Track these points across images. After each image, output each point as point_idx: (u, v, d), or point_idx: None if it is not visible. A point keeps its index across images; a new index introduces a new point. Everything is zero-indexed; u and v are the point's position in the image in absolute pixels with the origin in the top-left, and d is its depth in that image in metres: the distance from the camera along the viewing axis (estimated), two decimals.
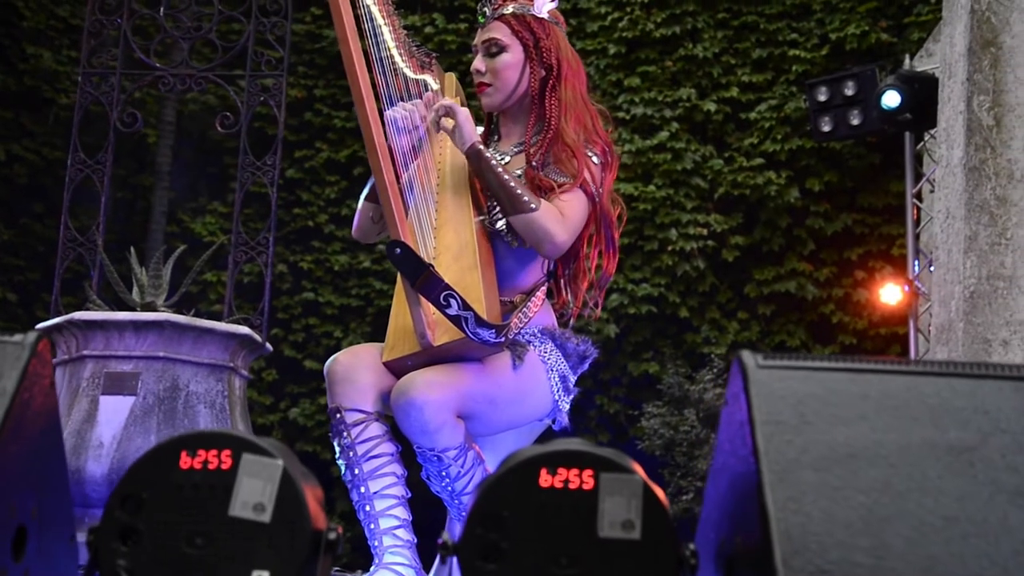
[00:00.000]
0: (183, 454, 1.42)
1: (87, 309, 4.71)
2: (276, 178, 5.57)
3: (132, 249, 4.79)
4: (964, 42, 6.04)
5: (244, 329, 4.67)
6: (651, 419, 7.53)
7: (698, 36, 9.14)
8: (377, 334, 9.10)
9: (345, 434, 2.59)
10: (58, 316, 4.75)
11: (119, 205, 9.59)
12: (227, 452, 1.42)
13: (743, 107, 8.96)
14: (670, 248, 8.63)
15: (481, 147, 2.71)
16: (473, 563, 1.37)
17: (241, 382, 4.75)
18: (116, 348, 4.40)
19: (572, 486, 1.37)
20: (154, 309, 4.64)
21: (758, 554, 1.21)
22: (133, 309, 4.71)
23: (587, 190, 2.75)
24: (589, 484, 1.37)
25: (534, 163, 2.77)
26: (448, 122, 2.78)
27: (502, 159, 2.87)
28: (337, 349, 9.05)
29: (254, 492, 1.40)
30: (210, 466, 1.41)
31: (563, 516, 1.37)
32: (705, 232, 8.63)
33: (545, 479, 1.38)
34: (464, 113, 2.74)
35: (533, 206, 2.66)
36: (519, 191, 2.68)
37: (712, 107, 8.88)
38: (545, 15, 2.90)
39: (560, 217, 2.70)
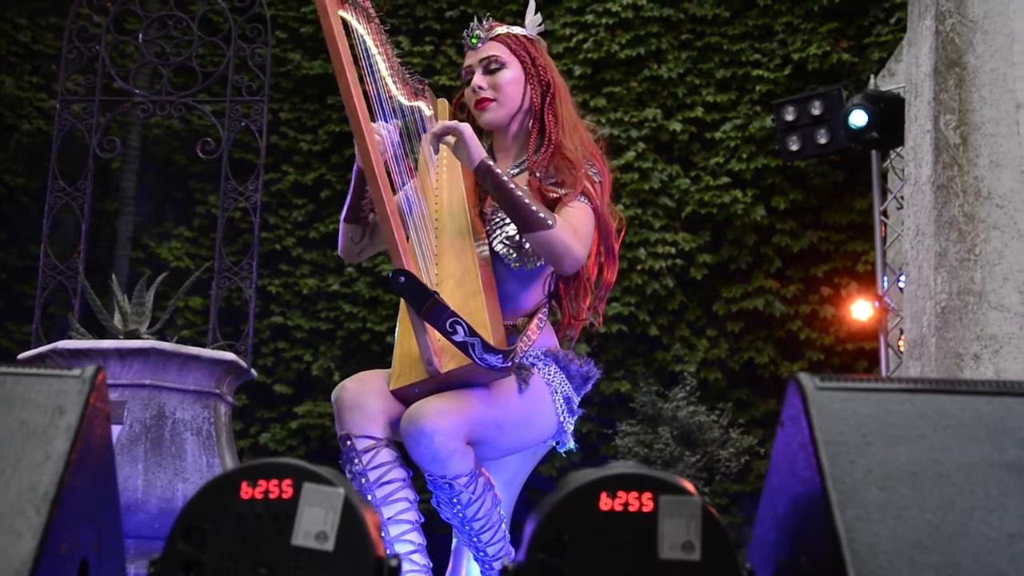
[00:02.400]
0: (243, 484, 1.43)
1: (70, 338, 4.68)
2: (259, 203, 5.57)
3: (113, 276, 4.77)
4: (930, 62, 6.15)
5: (230, 355, 4.66)
6: (625, 437, 7.57)
7: (662, 57, 9.23)
8: (347, 357, 9.08)
9: (356, 461, 2.60)
10: (39, 345, 4.72)
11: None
12: (288, 481, 1.43)
13: (708, 127, 9.05)
14: (639, 267, 8.69)
15: (491, 163, 2.66)
16: None
17: (227, 408, 4.73)
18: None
19: (632, 509, 1.40)
20: (137, 336, 4.61)
21: (827, 573, 1.24)
22: (115, 337, 4.68)
23: (592, 203, 2.79)
24: (649, 507, 1.40)
25: (538, 174, 2.80)
26: (451, 139, 2.71)
27: None
28: (307, 373, 9.00)
29: (316, 521, 1.41)
30: (271, 496, 1.42)
31: (624, 539, 1.39)
32: (673, 251, 8.70)
33: (605, 502, 1.40)
34: (469, 130, 2.68)
35: (550, 223, 2.65)
36: (534, 207, 2.65)
37: (678, 127, 8.97)
38: (535, 36, 2.95)
39: (574, 231, 2.71)
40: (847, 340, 8.46)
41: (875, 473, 1.26)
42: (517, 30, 2.93)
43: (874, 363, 8.26)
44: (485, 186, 2.71)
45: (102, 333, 4.89)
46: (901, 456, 1.28)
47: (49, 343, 4.71)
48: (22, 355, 4.67)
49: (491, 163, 2.67)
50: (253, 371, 5.01)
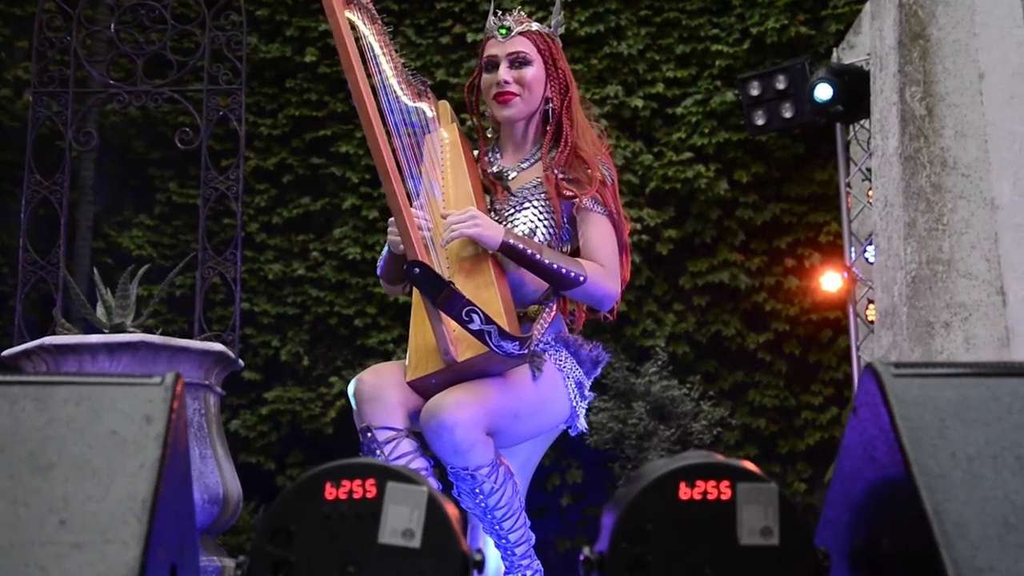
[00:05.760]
0: (327, 485, 1.45)
1: (56, 333, 4.64)
2: (240, 192, 5.55)
3: (95, 269, 4.74)
4: (894, 35, 6.23)
5: (218, 346, 4.65)
6: (599, 413, 7.62)
7: (622, 34, 9.25)
8: (316, 342, 9.06)
9: (378, 452, 2.63)
10: (22, 341, 4.68)
11: (41, 222, 9.41)
12: (371, 481, 1.46)
13: (669, 102, 9.09)
14: None
15: (511, 240, 2.73)
16: None
17: (216, 399, 4.73)
18: (90, 372, 4.34)
19: (711, 497, 1.44)
20: (123, 330, 4.59)
21: (915, 555, 1.28)
22: (99, 331, 4.66)
23: (607, 210, 2.86)
24: (727, 494, 1.44)
25: (556, 171, 2.84)
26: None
27: (510, 175, 2.94)
28: (276, 359, 8.95)
29: (401, 519, 1.44)
30: (355, 495, 1.45)
31: (704, 527, 1.43)
32: (639, 227, 8.75)
33: (684, 492, 1.44)
34: (478, 226, 2.73)
35: (582, 278, 2.77)
36: (564, 270, 2.75)
37: (639, 103, 9.01)
38: (557, 36, 2.99)
39: (604, 270, 2.83)
40: (812, 310, 8.56)
41: (958, 456, 1.30)
42: (544, 28, 2.96)
43: (839, 333, 8.38)
44: (512, 259, 2.77)
45: (88, 328, 4.85)
46: (980, 439, 1.32)
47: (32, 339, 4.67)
48: (6, 352, 4.62)
49: (511, 240, 2.73)
50: (241, 361, 5.00)
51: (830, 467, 5.69)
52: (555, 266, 2.74)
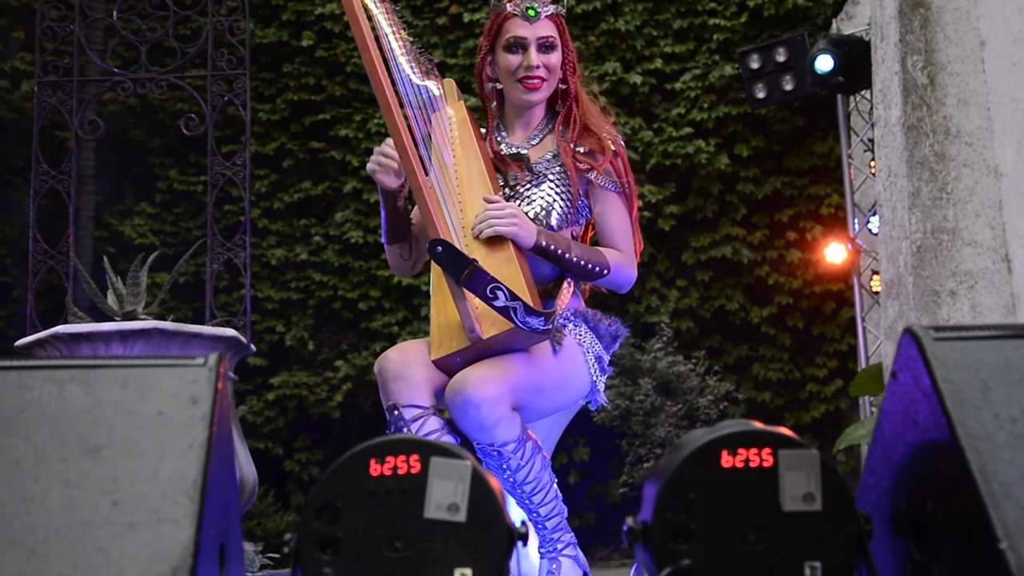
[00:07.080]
0: (372, 462, 1.47)
1: (68, 322, 4.65)
2: (247, 177, 5.55)
3: (105, 258, 4.74)
4: (894, 4, 6.21)
5: (231, 331, 4.65)
6: (605, 390, 7.63)
7: (619, 10, 9.23)
8: (320, 326, 9.06)
9: (405, 430, 2.64)
10: (34, 331, 4.68)
11: (43, 211, 9.39)
12: (415, 456, 1.47)
13: (668, 78, 9.08)
14: None
15: (543, 240, 2.78)
16: (665, 545, 1.44)
17: (229, 384, 4.73)
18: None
19: (753, 465, 1.45)
20: (135, 317, 4.59)
21: (961, 517, 1.29)
22: (111, 319, 4.66)
23: (620, 185, 2.89)
24: (769, 462, 1.45)
25: (572, 145, 2.87)
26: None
27: (518, 152, 2.96)
28: (281, 344, 8.92)
29: (446, 493, 1.45)
30: (400, 471, 1.46)
31: (747, 494, 1.44)
32: (640, 203, 8.71)
33: (727, 460, 1.45)
34: (515, 224, 2.76)
35: (606, 271, 2.86)
36: (590, 265, 2.84)
37: (638, 79, 8.99)
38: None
39: (623, 256, 2.93)
40: (815, 283, 8.57)
41: (1001, 418, 1.32)
42: (559, 8, 2.98)
43: (842, 304, 8.40)
44: (541, 256, 2.82)
45: (98, 316, 4.84)
46: (1023, 400, 1.33)
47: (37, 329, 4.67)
48: (20, 341, 4.62)
49: (543, 241, 2.78)
50: (252, 346, 5.01)
51: (837, 439, 5.72)
52: (582, 262, 2.83)
